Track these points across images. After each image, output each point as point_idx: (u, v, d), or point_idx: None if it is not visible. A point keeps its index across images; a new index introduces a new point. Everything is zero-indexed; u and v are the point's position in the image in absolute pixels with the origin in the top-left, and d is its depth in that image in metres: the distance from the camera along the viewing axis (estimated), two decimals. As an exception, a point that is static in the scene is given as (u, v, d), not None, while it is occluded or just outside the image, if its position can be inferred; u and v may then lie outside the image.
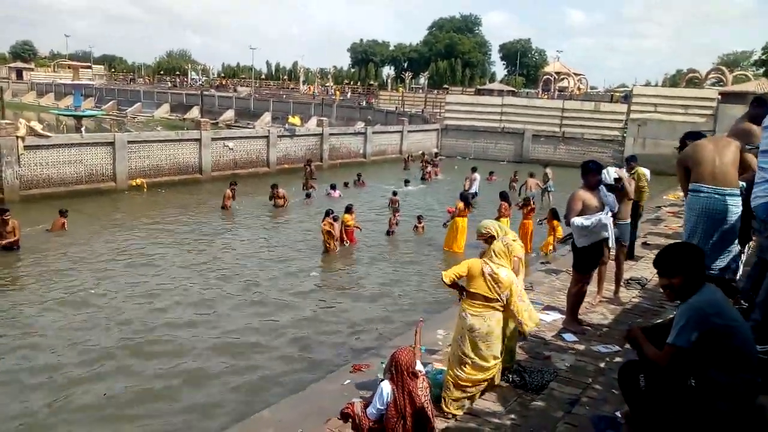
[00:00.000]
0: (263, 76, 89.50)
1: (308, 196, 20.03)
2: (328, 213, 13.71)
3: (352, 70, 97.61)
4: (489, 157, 34.86)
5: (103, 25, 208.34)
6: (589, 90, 54.53)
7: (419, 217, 16.23)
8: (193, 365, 8.01)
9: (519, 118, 36.17)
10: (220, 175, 23.18)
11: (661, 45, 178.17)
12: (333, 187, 20.70)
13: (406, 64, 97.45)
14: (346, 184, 22.57)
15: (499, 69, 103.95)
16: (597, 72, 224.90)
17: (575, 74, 54.18)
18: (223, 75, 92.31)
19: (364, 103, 53.01)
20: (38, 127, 18.55)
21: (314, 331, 9.24)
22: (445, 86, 69.16)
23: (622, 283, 8.32)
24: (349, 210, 14.46)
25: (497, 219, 13.54)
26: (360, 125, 34.33)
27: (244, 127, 42.55)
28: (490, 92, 51.88)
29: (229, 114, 53.91)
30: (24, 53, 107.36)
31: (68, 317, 9.32)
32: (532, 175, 22.07)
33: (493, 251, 5.37)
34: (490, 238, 5.62)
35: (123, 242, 13.87)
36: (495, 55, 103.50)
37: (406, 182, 23.18)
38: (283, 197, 18.51)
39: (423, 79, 75.63)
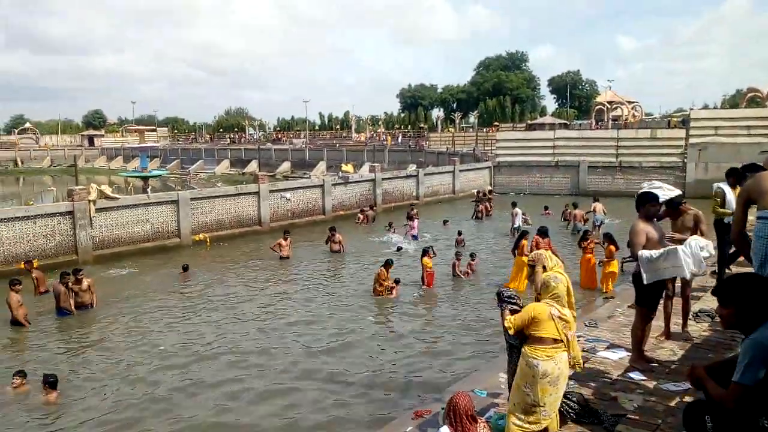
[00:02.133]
0: (317, 127, 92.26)
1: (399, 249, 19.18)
2: (388, 263, 13.87)
3: (402, 114, 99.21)
4: (544, 191, 34.39)
5: (166, 89, 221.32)
6: (644, 117, 53.27)
7: (472, 255, 16.08)
8: (247, 411, 8.13)
9: (573, 151, 35.65)
10: (279, 226, 23.75)
11: (717, 65, 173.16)
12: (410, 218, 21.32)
13: (455, 105, 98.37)
14: (390, 225, 22.66)
15: (550, 102, 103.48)
16: (652, 98, 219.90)
17: (629, 102, 53.14)
18: (278, 128, 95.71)
19: (411, 145, 53.62)
20: (108, 190, 19.69)
21: (375, 378, 9.22)
22: (495, 123, 69.18)
23: (690, 317, 7.97)
24: (426, 253, 14.55)
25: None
26: (412, 168, 34.68)
27: (300, 177, 43.73)
28: (542, 126, 51.53)
29: (286, 165, 55.62)
30: (95, 121, 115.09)
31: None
32: (576, 206, 21.74)
33: (548, 287, 5.22)
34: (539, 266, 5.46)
35: (186, 296, 14.37)
36: (544, 89, 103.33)
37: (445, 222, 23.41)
38: (339, 242, 18.82)
39: (473, 118, 75.99)
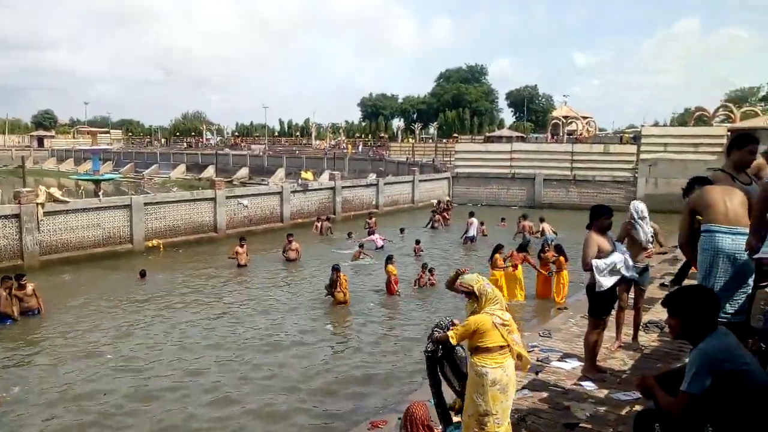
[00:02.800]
0: (276, 134, 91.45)
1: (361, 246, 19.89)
2: (335, 268, 13.79)
3: (363, 123, 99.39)
4: (501, 202, 34.94)
5: (121, 90, 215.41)
6: (598, 132, 54.89)
7: (427, 269, 16.07)
8: (203, 415, 7.96)
9: (529, 163, 36.38)
10: (235, 233, 23.38)
11: (670, 83, 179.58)
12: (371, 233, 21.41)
13: (415, 116, 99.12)
14: (349, 235, 22.82)
15: (507, 116, 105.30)
16: (607, 113, 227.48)
17: (583, 117, 54.71)
18: (237, 134, 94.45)
19: (371, 154, 53.80)
20: (57, 193, 19.05)
21: (330, 387, 9.15)
22: (455, 135, 70.06)
23: (640, 328, 8.19)
24: (390, 260, 14.62)
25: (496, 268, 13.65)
26: (372, 177, 34.74)
27: (258, 183, 43.23)
28: (499, 139, 52.43)
29: (244, 172, 54.91)
30: (45, 122, 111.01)
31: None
32: (525, 218, 22.23)
33: (488, 297, 5.23)
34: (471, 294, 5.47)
35: (133, 304, 13.97)
36: (502, 102, 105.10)
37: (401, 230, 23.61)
38: (296, 250, 18.65)
39: (432, 129, 76.76)
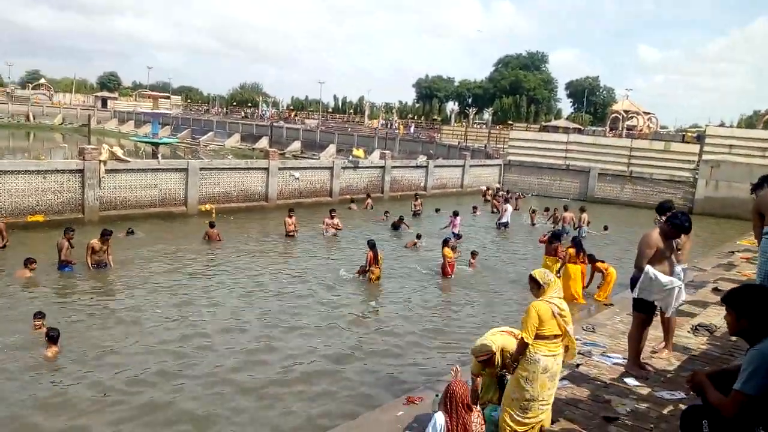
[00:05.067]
0: (330, 109, 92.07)
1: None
2: (369, 244, 13.90)
3: (417, 104, 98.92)
4: (552, 194, 34.31)
5: (183, 58, 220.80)
6: (659, 129, 52.95)
7: (473, 253, 16.07)
8: (239, 391, 8.14)
9: (584, 156, 35.54)
10: (285, 204, 23.83)
11: (740, 84, 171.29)
12: (455, 214, 20.30)
13: (470, 100, 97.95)
14: (386, 214, 22.89)
15: (566, 106, 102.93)
16: (670, 111, 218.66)
17: (645, 113, 52.82)
18: (291, 107, 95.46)
19: (422, 136, 53.52)
20: (119, 152, 19.74)
21: (369, 362, 9.28)
22: (509, 122, 68.93)
23: (689, 330, 7.99)
24: (446, 242, 14.57)
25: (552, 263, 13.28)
26: (422, 158, 34.62)
27: (309, 157, 43.71)
28: (555, 129, 51.32)
29: (296, 145, 55.53)
30: (109, 83, 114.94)
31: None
32: (566, 209, 21.92)
33: (547, 284, 5.23)
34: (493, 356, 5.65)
35: (186, 265, 14.47)
36: (561, 92, 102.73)
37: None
38: (335, 225, 18.78)
39: (487, 115, 75.72)
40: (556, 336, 5.12)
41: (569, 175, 35.50)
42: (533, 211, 23.73)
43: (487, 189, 31.60)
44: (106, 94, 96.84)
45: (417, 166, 31.69)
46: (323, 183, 26.16)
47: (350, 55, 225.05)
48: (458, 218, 20.08)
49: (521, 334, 5.22)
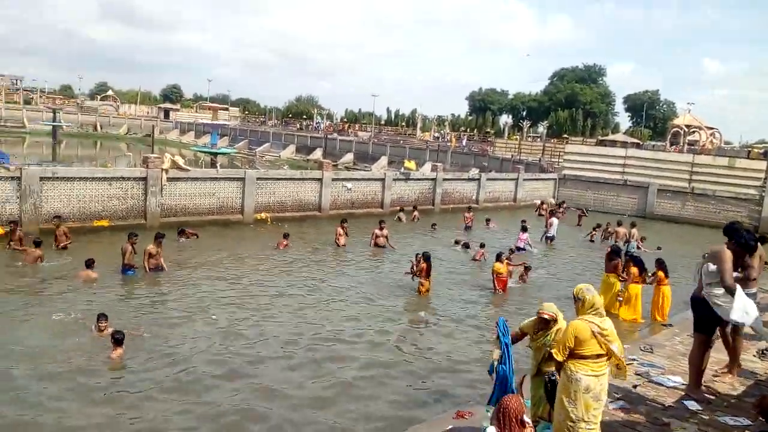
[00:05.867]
0: (383, 122, 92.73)
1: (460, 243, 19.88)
2: (424, 256, 13.79)
3: (470, 117, 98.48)
4: (608, 210, 33.36)
5: (242, 71, 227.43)
6: (722, 144, 50.89)
7: (526, 268, 15.80)
8: (284, 399, 8.25)
9: (643, 171, 34.48)
10: (337, 214, 24.15)
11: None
12: (524, 229, 20.34)
13: (524, 113, 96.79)
14: (433, 226, 22.92)
15: (624, 120, 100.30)
16: (733, 126, 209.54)
17: (707, 128, 50.93)
18: (345, 120, 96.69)
19: (475, 149, 53.15)
20: (180, 161, 20.45)
21: (416, 375, 9.25)
22: (565, 136, 67.69)
23: (755, 354, 7.63)
24: (499, 258, 14.38)
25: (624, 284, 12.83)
26: (474, 171, 34.40)
27: (361, 169, 44.11)
28: (613, 143, 50.00)
29: (349, 157, 56.17)
30: (172, 95, 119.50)
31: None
32: (620, 224, 21.41)
33: (590, 303, 5.18)
34: (552, 322, 5.83)
35: (240, 270, 14.82)
36: (619, 106, 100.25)
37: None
38: (386, 237, 18.84)
39: (541, 128, 74.59)
40: (599, 356, 5.03)
41: (627, 190, 34.50)
42: (597, 226, 23.28)
43: (542, 203, 31.06)
44: (168, 105, 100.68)
45: (469, 179, 31.50)
46: (375, 194, 26.34)
47: (403, 68, 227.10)
48: (526, 234, 20.03)
49: (552, 350, 5.26)
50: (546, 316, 5.87)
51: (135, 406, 7.60)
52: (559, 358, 5.09)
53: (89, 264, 12.94)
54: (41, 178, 17.02)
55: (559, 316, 5.90)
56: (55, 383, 8.08)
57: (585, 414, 5.00)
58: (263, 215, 21.81)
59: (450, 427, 6.76)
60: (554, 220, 22.34)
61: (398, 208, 25.78)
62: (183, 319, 10.97)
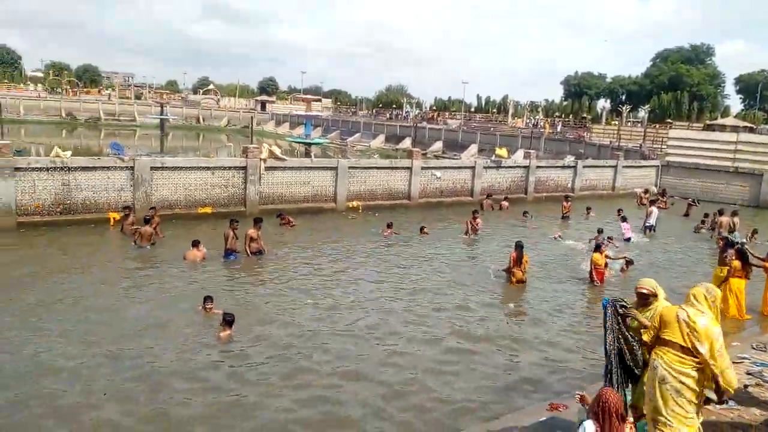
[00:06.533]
0: (472, 109, 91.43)
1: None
2: (516, 245, 13.50)
3: (564, 102, 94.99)
4: (717, 199, 31.08)
5: (334, 62, 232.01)
6: None
7: (628, 261, 15.10)
8: (374, 380, 8.43)
9: (757, 158, 31.84)
10: (426, 202, 24.26)
11: None
12: (624, 219, 19.68)
13: (623, 97, 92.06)
14: (525, 214, 22.50)
15: (735, 103, 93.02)
16: None
17: (836, 108, 46.16)
18: (434, 108, 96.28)
19: (570, 135, 51.19)
20: (278, 151, 21.25)
21: (508, 365, 9.17)
22: (668, 120, 63.73)
23: None
24: (598, 248, 13.98)
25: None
26: (569, 159, 33.17)
27: (450, 158, 43.80)
28: (722, 128, 46.44)
29: (438, 145, 55.93)
30: (268, 88, 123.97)
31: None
32: (721, 213, 19.84)
33: (693, 295, 4.99)
34: (652, 297, 5.57)
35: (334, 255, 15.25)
36: (729, 88, 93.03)
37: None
38: (475, 226, 18.71)
39: (642, 113, 70.65)
40: (682, 348, 4.81)
41: (738, 178, 32.00)
42: (705, 216, 21.94)
43: (645, 191, 29.47)
44: (264, 98, 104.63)
45: (564, 167, 30.46)
46: (464, 182, 26.10)
47: (495, 54, 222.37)
48: (627, 223, 19.34)
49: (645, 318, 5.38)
50: (644, 291, 5.64)
51: (233, 389, 7.99)
52: (645, 337, 5.00)
53: (195, 244, 13.81)
54: (151, 168, 18.29)
55: (659, 293, 5.64)
56: (164, 357, 8.71)
57: (663, 407, 4.82)
58: (355, 203, 22.26)
59: (543, 418, 6.67)
60: (654, 210, 21.34)
61: (484, 195, 25.42)
62: (282, 301, 11.49)
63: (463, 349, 9.59)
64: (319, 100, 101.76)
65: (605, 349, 5.71)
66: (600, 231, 17.34)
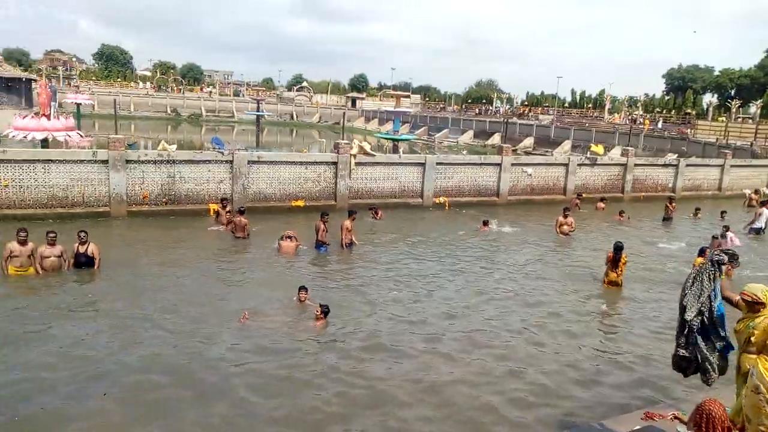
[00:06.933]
0: (566, 104, 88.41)
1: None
2: (614, 246, 12.87)
3: (666, 97, 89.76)
4: (841, 202, 28.31)
5: (423, 58, 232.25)
6: None
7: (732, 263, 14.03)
8: (461, 373, 8.43)
9: None
10: (516, 200, 23.79)
11: None
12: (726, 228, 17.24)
13: (733, 91, 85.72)
14: (621, 213, 21.39)
15: None
16: None
17: None
18: (526, 103, 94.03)
19: (670, 132, 48.27)
20: (367, 147, 21.59)
21: (600, 369, 8.86)
22: (785, 116, 58.64)
23: None
24: (702, 253, 13.03)
25: None
26: (671, 156, 31.37)
27: (541, 154, 42.66)
28: None
29: (529, 141, 54.67)
30: (359, 84, 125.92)
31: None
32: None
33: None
34: (759, 305, 5.16)
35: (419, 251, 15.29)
36: None
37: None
38: (570, 224, 18.18)
39: (754, 108, 65.42)
40: None
41: None
42: None
43: (755, 192, 27.36)
44: (355, 94, 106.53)
45: (665, 165, 28.83)
46: (556, 180, 25.33)
47: (590, 46, 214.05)
48: (731, 232, 17.86)
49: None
50: (747, 298, 5.27)
51: (323, 374, 8.24)
52: (754, 338, 4.67)
53: (289, 236, 14.33)
54: (249, 162, 19.14)
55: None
56: (253, 341, 9.10)
57: (756, 416, 4.49)
58: (441, 199, 22.21)
59: (638, 427, 6.41)
60: (765, 211, 19.80)
61: (576, 194, 24.55)
62: (374, 291, 11.76)
63: (553, 351, 9.38)
64: (408, 96, 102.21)
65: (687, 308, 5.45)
66: (721, 236, 16.16)
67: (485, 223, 18.42)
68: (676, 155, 33.07)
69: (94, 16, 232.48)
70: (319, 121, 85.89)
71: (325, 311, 9.84)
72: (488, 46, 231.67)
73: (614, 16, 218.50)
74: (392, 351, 9.01)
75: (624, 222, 20.87)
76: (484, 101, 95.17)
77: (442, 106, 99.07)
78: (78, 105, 40.51)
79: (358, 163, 20.70)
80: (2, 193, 16.23)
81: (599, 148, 28.88)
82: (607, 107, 73.10)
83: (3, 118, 35.39)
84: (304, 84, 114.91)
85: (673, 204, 22.22)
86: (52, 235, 11.72)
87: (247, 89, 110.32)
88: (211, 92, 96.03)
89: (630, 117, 65.49)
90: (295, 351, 8.86)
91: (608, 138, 46.64)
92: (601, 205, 23.37)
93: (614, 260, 12.75)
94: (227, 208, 17.06)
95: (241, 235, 15.47)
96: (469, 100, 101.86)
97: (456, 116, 74.02)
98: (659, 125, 56.98)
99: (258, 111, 54.57)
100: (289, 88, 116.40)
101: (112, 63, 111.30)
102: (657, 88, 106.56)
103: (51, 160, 16.82)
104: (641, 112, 69.52)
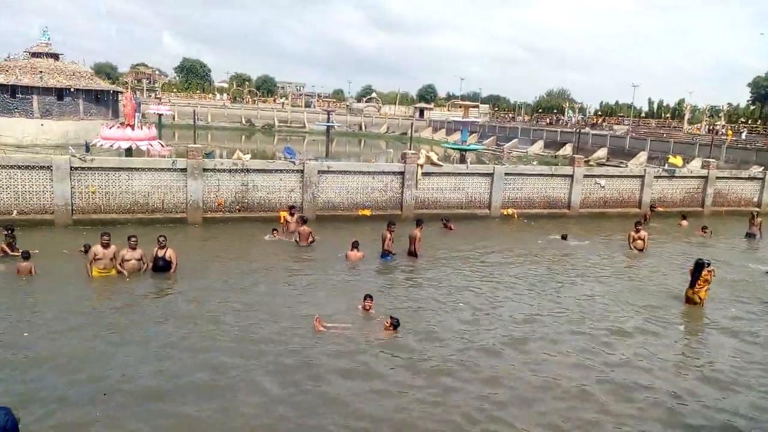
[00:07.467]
0: (643, 114, 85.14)
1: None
2: (696, 263, 12.29)
3: (752, 107, 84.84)
4: None
5: (493, 68, 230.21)
6: None
7: None
8: (519, 389, 8.25)
9: None
10: (588, 212, 23.16)
11: None
12: None
13: (829, 99, 79.96)
14: (704, 229, 20.39)
15: None
16: None
17: None
18: (599, 113, 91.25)
19: (756, 143, 45.45)
20: (434, 157, 21.59)
21: (683, 391, 8.48)
22: None
23: None
24: None
25: None
26: (757, 169, 29.58)
27: (615, 165, 41.24)
28: None
29: (602, 152, 53.03)
30: (427, 95, 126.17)
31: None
32: None
33: None
34: None
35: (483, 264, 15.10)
36: None
37: None
38: (643, 239, 17.41)
39: None
40: None
41: None
42: None
43: None
44: (423, 105, 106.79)
45: (749, 178, 27.24)
46: (631, 192, 24.43)
47: (669, 54, 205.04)
48: None
49: None
50: None
51: (388, 382, 8.30)
52: None
53: (355, 245, 14.53)
54: (319, 171, 19.57)
55: None
56: (323, 346, 9.27)
57: None
58: (509, 210, 21.88)
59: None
60: None
61: (650, 206, 23.57)
62: (439, 303, 11.72)
63: (630, 370, 9.04)
64: (477, 106, 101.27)
65: None
66: None
67: (563, 237, 18.19)
68: (762, 168, 31.12)
69: (176, 32, 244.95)
70: (387, 132, 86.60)
71: (395, 324, 9.89)
72: (559, 55, 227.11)
73: (696, 22, 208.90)
74: (444, 365, 8.87)
75: (707, 238, 19.86)
76: (555, 111, 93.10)
77: (511, 115, 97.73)
78: (159, 116, 42.58)
79: (425, 174, 20.74)
80: (90, 199, 17.33)
81: (678, 160, 27.63)
82: (686, 117, 69.93)
83: (93, 128, 37.84)
84: (373, 95, 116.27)
85: (758, 220, 20.90)
86: (133, 239, 12.41)
87: (318, 100, 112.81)
88: (283, 103, 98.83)
89: (710, 127, 62.36)
90: (370, 364, 8.85)
91: (687, 149, 44.63)
92: (684, 222, 22.24)
93: (694, 275, 12.18)
94: (295, 216, 17.48)
95: (304, 243, 15.77)
96: (540, 110, 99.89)
97: (525, 126, 72.81)
98: (743, 136, 53.96)
99: (328, 122, 55.62)
100: (359, 99, 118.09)
101: (192, 76, 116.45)
102: (741, 97, 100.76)
103: (134, 168, 17.82)
104: (723, 123, 66.05)
